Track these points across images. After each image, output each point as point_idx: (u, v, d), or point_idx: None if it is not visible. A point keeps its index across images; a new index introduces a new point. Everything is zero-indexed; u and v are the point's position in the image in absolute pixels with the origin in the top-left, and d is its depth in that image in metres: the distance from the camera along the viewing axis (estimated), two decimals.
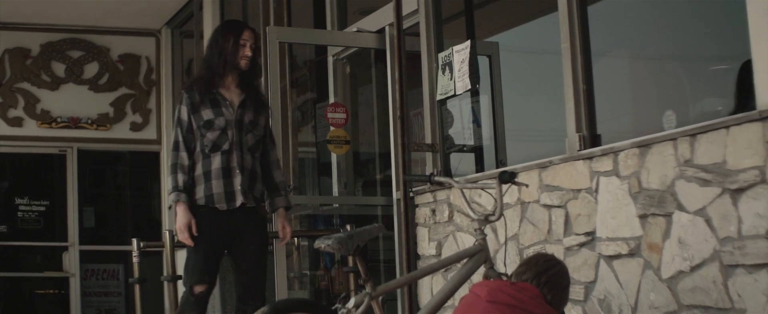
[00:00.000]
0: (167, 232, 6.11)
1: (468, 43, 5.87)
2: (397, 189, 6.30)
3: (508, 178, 4.13)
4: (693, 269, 4.14)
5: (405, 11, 6.29)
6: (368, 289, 4.00)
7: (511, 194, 5.17)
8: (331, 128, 7.11)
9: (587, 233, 4.76)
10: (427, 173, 5.96)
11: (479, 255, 4.17)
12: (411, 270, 5.95)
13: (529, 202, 5.17)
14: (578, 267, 4.78)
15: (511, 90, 6.18)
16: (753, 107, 3.87)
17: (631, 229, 4.49)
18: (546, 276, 3.73)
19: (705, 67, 4.87)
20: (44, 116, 10.45)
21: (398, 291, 6.11)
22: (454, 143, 6.23)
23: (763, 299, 3.80)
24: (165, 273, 6.07)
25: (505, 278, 4.03)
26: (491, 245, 4.84)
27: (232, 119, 5.02)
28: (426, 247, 6.07)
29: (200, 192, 4.97)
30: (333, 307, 4.05)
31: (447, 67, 6.01)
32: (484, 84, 6.11)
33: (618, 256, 4.57)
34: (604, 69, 5.17)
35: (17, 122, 10.35)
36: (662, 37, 5.09)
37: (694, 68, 4.93)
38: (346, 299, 4.00)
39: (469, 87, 5.84)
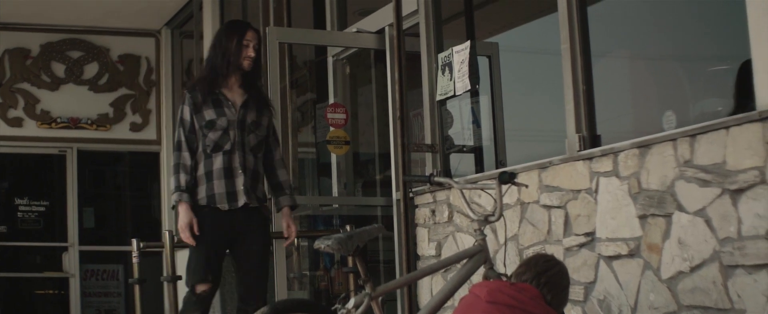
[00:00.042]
0: (167, 232, 6.10)
1: (468, 43, 5.87)
2: (397, 190, 6.30)
3: (507, 178, 4.13)
4: (693, 269, 4.14)
5: (405, 12, 6.29)
6: (368, 290, 4.00)
7: (510, 194, 5.17)
8: (331, 129, 7.11)
9: (587, 234, 4.76)
10: (427, 174, 5.96)
11: (479, 255, 4.17)
12: (411, 271, 5.95)
13: (528, 202, 5.17)
14: (578, 268, 4.78)
15: (511, 91, 6.18)
16: (753, 108, 3.87)
17: (631, 230, 4.49)
18: (546, 277, 3.73)
19: (705, 68, 4.87)
20: (44, 117, 10.45)
21: (398, 291, 6.11)
22: (453, 143, 6.23)
23: (763, 299, 3.80)
24: (165, 274, 6.07)
25: (504, 278, 4.03)
26: (491, 245, 4.84)
27: (235, 119, 5.02)
28: (426, 248, 6.07)
29: (202, 192, 4.98)
30: (333, 308, 4.05)
31: (447, 68, 6.01)
32: (484, 85, 6.11)
33: (618, 257, 4.57)
34: (604, 69, 5.17)
35: (17, 123, 10.35)
36: (662, 37, 5.09)
37: (693, 69, 4.93)
38: (346, 299, 4.00)
39: (469, 88, 5.84)
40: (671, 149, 4.26)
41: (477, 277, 4.24)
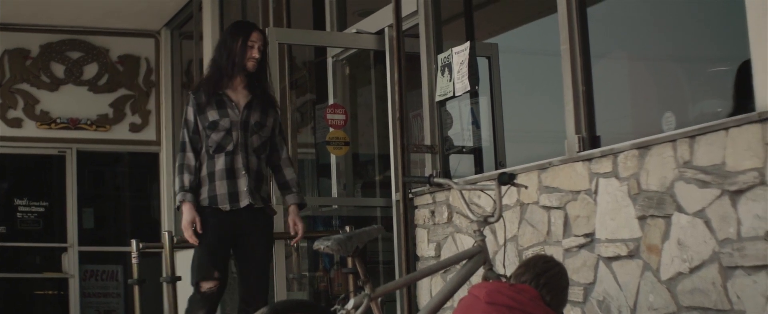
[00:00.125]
0: (166, 233, 6.11)
1: (467, 44, 5.87)
2: (397, 191, 6.30)
3: (507, 179, 4.13)
4: (692, 270, 4.14)
5: (404, 12, 6.29)
6: (367, 290, 4.00)
7: (510, 195, 5.17)
8: (331, 130, 7.11)
9: (586, 235, 4.76)
10: (427, 175, 5.97)
11: (478, 256, 4.17)
12: (410, 272, 5.95)
13: (528, 203, 5.17)
14: (577, 269, 4.78)
15: (511, 91, 6.18)
16: (752, 109, 3.87)
17: (631, 230, 4.49)
18: (545, 278, 3.73)
19: (704, 69, 4.87)
20: (43, 117, 10.44)
21: (397, 292, 6.11)
22: (453, 144, 6.23)
23: (763, 300, 3.79)
24: (164, 275, 6.07)
25: (504, 279, 4.03)
26: (490, 246, 4.84)
27: (238, 120, 5.02)
28: (425, 248, 6.07)
29: (204, 193, 4.99)
30: (332, 308, 4.05)
31: (446, 69, 6.01)
32: (484, 85, 6.11)
33: (617, 258, 4.57)
34: (604, 70, 5.17)
35: (16, 123, 10.34)
36: (661, 38, 5.09)
37: (693, 69, 4.93)
38: (345, 300, 4.00)
39: (469, 88, 5.84)
40: (671, 150, 4.26)
41: (476, 278, 4.23)
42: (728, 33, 4.49)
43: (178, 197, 5.00)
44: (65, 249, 10.39)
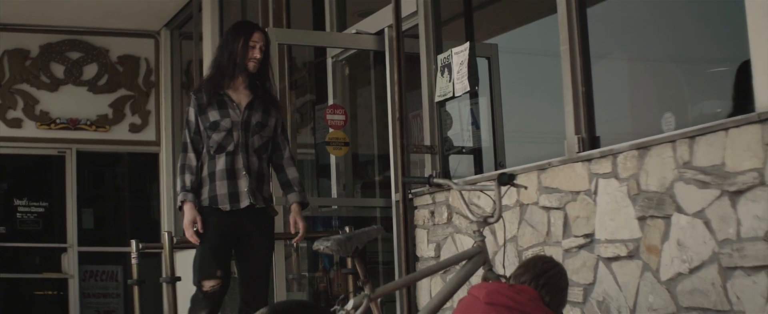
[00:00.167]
0: (166, 233, 6.11)
1: (467, 45, 5.87)
2: (396, 191, 6.30)
3: (507, 180, 4.13)
4: (692, 271, 4.14)
5: (404, 13, 6.29)
6: (367, 291, 3.99)
7: (509, 196, 5.17)
8: (330, 130, 7.11)
9: (586, 235, 4.76)
10: (426, 175, 5.96)
11: (478, 256, 4.17)
12: (410, 272, 5.95)
13: (527, 204, 5.17)
14: (577, 269, 4.78)
15: (510, 92, 6.18)
16: (752, 109, 3.87)
17: (630, 231, 4.49)
18: (544, 278, 3.73)
19: (704, 69, 4.87)
20: (43, 118, 10.44)
21: (397, 292, 6.11)
22: (453, 144, 6.23)
23: (762, 301, 3.79)
24: (164, 275, 6.07)
25: (503, 280, 4.02)
26: (490, 247, 4.83)
27: (239, 120, 5.02)
28: (425, 249, 6.07)
29: (205, 193, 4.99)
30: (331, 309, 4.04)
31: (446, 69, 6.01)
32: (483, 86, 6.11)
33: (617, 258, 4.57)
34: (603, 71, 5.16)
35: (16, 124, 10.34)
36: (661, 39, 5.08)
37: (693, 70, 4.93)
38: (345, 301, 4.00)
39: (468, 89, 5.84)
40: (670, 150, 4.26)
41: (476, 278, 4.23)
42: (728, 33, 4.49)
43: (180, 198, 5.00)
44: (65, 250, 10.39)
